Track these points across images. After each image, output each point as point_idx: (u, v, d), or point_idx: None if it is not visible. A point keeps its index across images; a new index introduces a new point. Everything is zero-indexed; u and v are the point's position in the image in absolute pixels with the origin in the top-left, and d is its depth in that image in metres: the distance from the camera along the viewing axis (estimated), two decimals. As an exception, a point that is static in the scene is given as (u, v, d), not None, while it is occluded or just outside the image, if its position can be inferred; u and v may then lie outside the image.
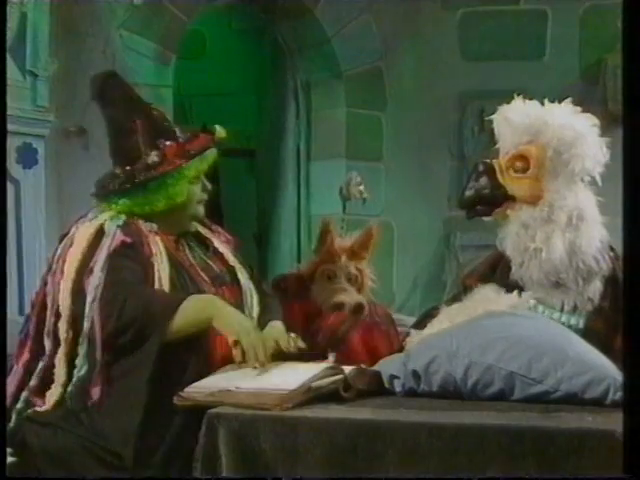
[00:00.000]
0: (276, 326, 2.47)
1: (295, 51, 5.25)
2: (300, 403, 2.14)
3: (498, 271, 2.53)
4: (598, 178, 2.51)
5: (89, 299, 2.29)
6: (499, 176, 2.48)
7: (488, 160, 2.52)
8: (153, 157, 2.41)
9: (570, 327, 2.41)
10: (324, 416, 2.10)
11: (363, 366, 2.36)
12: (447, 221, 5.21)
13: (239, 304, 2.48)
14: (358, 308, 2.76)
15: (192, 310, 2.28)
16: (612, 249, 2.51)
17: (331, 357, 2.47)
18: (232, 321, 2.28)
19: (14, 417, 2.32)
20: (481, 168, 2.51)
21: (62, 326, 2.33)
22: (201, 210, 2.54)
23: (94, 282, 2.30)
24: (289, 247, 5.36)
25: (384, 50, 5.19)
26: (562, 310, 2.46)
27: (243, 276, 2.54)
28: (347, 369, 2.28)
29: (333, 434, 2.04)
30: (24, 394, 2.35)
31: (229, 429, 2.07)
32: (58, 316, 2.35)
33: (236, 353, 2.25)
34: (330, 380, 2.24)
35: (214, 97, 5.79)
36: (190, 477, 2.12)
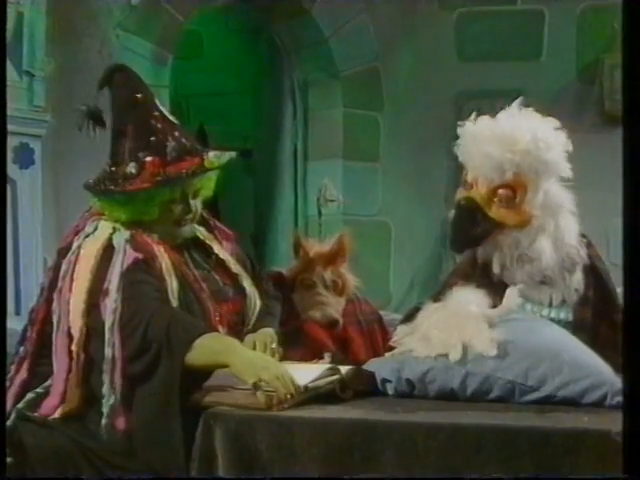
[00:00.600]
0: (263, 334, 2.41)
1: (292, 51, 5.25)
2: (297, 403, 2.14)
3: (478, 270, 2.52)
4: (568, 174, 2.49)
5: (108, 324, 2.24)
6: (485, 209, 2.44)
7: (468, 196, 2.47)
8: (131, 168, 2.35)
9: (560, 321, 2.42)
10: (321, 416, 2.10)
11: (359, 367, 2.36)
12: (444, 221, 5.20)
13: (239, 319, 2.44)
14: (331, 324, 2.77)
15: (210, 350, 2.20)
16: (583, 236, 2.53)
17: (327, 357, 2.47)
18: (249, 365, 2.17)
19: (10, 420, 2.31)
20: (465, 206, 2.47)
21: (74, 348, 2.28)
22: (184, 231, 2.44)
23: (111, 305, 2.24)
24: (286, 247, 5.34)
25: (381, 50, 5.19)
26: (550, 305, 2.46)
27: (247, 283, 2.49)
28: (344, 369, 2.28)
29: (329, 434, 2.04)
30: (26, 398, 2.34)
31: (226, 429, 2.07)
32: (71, 337, 2.29)
33: (260, 395, 2.13)
34: (327, 380, 2.24)
35: (211, 97, 5.79)
36: (187, 477, 2.12)
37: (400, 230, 5.25)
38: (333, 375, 2.25)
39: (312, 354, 2.54)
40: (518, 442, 1.93)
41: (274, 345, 2.35)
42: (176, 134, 2.41)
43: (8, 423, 2.27)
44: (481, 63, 5.13)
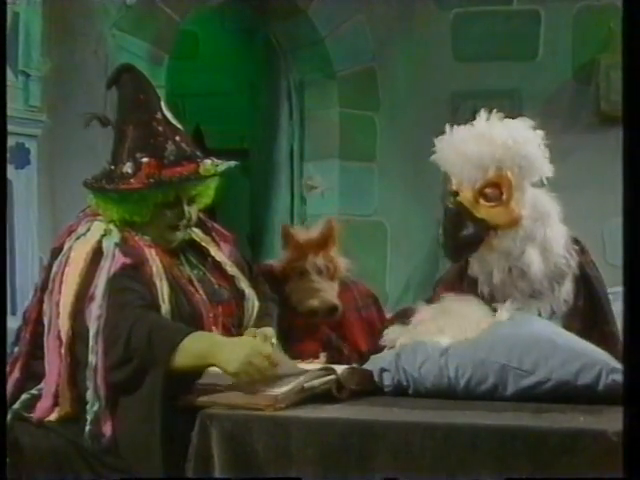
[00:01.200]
0: (265, 328, 2.43)
1: (288, 51, 5.24)
2: (293, 404, 2.14)
3: (465, 282, 2.52)
4: (545, 178, 2.49)
5: (92, 331, 2.24)
6: (474, 211, 2.44)
7: (455, 198, 2.46)
8: (127, 168, 2.36)
9: None
10: (317, 416, 2.10)
11: (355, 366, 2.36)
12: (440, 221, 5.20)
13: (235, 321, 2.45)
14: (331, 310, 2.77)
15: (188, 351, 2.20)
16: (576, 242, 2.52)
17: (322, 357, 2.47)
18: (228, 356, 2.19)
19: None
20: (454, 212, 2.46)
21: (63, 351, 2.30)
22: (178, 236, 2.44)
23: (96, 311, 2.25)
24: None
25: (377, 50, 5.19)
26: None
27: (244, 285, 2.49)
28: (339, 369, 2.28)
29: (326, 434, 2.04)
30: (22, 399, 2.35)
31: (222, 429, 2.07)
32: (60, 340, 2.30)
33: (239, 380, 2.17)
34: (323, 380, 2.24)
35: (207, 97, 5.79)
36: (183, 477, 2.12)
37: (396, 230, 5.25)
38: (329, 375, 2.25)
39: (313, 346, 2.54)
40: (514, 442, 1.93)
41: (274, 340, 2.36)
42: (177, 139, 2.41)
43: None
44: (477, 63, 5.13)
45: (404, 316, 2.51)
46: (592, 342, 2.29)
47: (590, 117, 4.98)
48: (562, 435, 1.93)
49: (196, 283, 2.42)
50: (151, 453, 2.17)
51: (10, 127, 3.70)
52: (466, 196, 2.45)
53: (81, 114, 2.48)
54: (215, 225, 2.64)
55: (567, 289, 2.44)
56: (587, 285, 2.48)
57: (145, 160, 2.36)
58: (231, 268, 2.50)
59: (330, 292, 2.79)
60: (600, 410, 2.08)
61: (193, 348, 2.21)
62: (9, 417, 2.30)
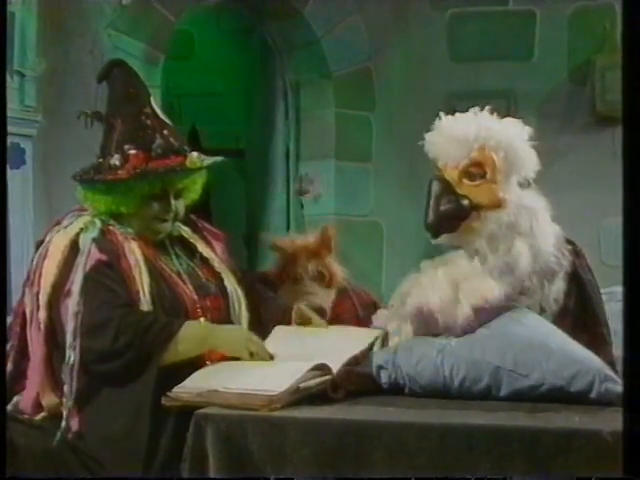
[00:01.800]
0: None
1: (284, 51, 5.24)
2: (288, 404, 2.14)
3: None
4: (532, 181, 2.50)
5: (70, 327, 2.27)
6: (457, 188, 2.45)
7: (440, 174, 2.48)
8: (115, 160, 2.40)
9: None
10: (312, 416, 2.10)
11: (351, 366, 2.36)
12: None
13: (223, 314, 2.47)
14: (319, 313, 2.73)
15: (188, 338, 2.27)
16: (570, 242, 2.52)
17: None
18: (233, 341, 2.31)
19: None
20: (437, 185, 2.47)
21: (42, 340, 2.34)
22: (164, 228, 2.47)
23: (73, 308, 2.28)
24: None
25: (373, 51, 5.19)
26: None
27: (230, 282, 2.52)
28: (335, 369, 2.28)
29: (321, 434, 2.04)
30: (13, 401, 2.35)
31: (217, 430, 2.07)
32: (40, 331, 2.34)
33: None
34: (318, 381, 2.24)
35: (203, 97, 5.78)
36: (178, 477, 2.12)
37: (392, 230, 5.25)
38: (324, 375, 2.25)
39: None
40: (509, 442, 1.93)
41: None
42: (165, 132, 2.45)
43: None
44: (473, 63, 5.13)
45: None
46: (581, 343, 2.29)
47: (585, 117, 4.99)
48: (557, 435, 1.93)
49: (184, 276, 2.45)
50: (136, 448, 2.21)
51: (5, 127, 3.71)
52: (451, 175, 2.47)
53: (77, 114, 2.49)
54: (206, 225, 2.67)
55: (558, 288, 2.44)
56: (579, 286, 2.47)
57: (132, 152, 2.40)
58: (219, 265, 2.53)
59: (321, 297, 2.78)
60: (595, 410, 2.08)
61: (191, 335, 2.27)
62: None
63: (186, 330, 2.28)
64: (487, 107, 2.52)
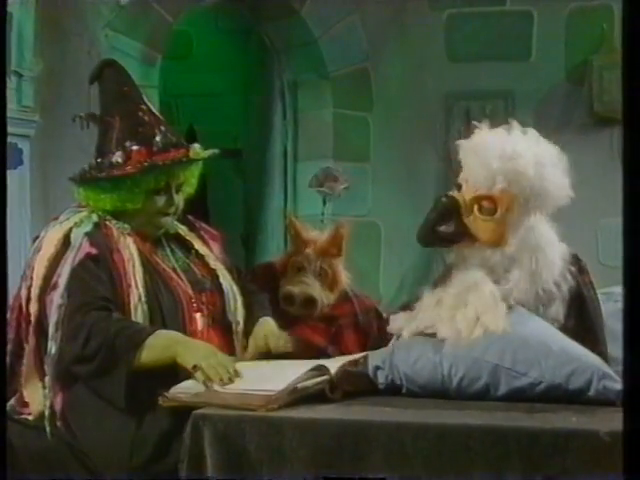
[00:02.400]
0: (266, 323, 2.47)
1: (282, 52, 5.24)
2: (286, 404, 2.14)
3: None
4: (555, 209, 2.45)
5: (53, 319, 2.30)
6: (464, 214, 2.41)
7: (452, 194, 2.43)
8: (117, 157, 2.41)
9: None
10: (309, 416, 2.10)
11: (349, 367, 2.36)
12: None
13: (219, 310, 2.48)
14: (308, 301, 2.72)
15: (158, 347, 2.27)
16: (576, 261, 2.48)
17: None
18: (192, 351, 2.26)
19: None
20: (446, 203, 2.43)
21: (31, 332, 2.36)
22: (166, 222, 2.50)
23: (57, 300, 2.31)
24: (276, 248, 5.35)
25: (371, 51, 5.19)
26: None
27: (225, 279, 2.53)
28: (333, 369, 2.28)
29: (318, 434, 2.04)
30: (12, 401, 2.36)
31: (214, 430, 2.07)
32: (30, 324, 2.37)
33: (197, 376, 2.22)
34: (316, 381, 2.24)
35: (200, 97, 5.78)
36: (175, 478, 2.12)
37: (390, 231, 5.25)
38: (322, 375, 2.25)
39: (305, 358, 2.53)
40: (507, 442, 1.93)
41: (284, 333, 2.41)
42: (162, 128, 2.47)
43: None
44: (471, 64, 5.14)
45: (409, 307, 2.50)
46: None
47: (583, 118, 4.99)
48: (555, 435, 1.93)
49: (179, 271, 2.47)
50: (114, 450, 2.23)
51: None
52: (465, 195, 2.43)
53: (71, 118, 2.50)
54: (202, 225, 2.68)
55: (556, 310, 2.41)
56: (580, 306, 2.45)
57: (135, 148, 2.41)
58: (214, 262, 2.54)
59: (316, 289, 2.74)
60: (593, 410, 2.08)
61: (157, 344, 2.26)
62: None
63: (155, 339, 2.27)
64: (531, 130, 2.42)
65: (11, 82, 3.91)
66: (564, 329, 2.39)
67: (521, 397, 2.18)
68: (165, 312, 2.38)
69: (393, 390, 2.30)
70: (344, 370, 2.32)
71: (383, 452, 1.99)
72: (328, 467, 2.01)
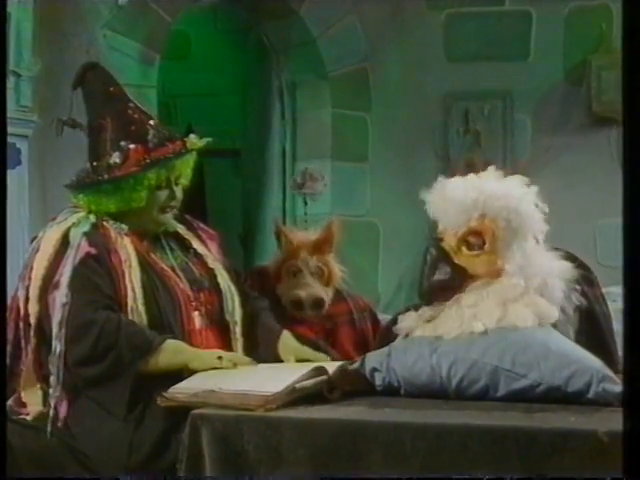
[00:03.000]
0: (288, 338, 2.51)
1: (280, 52, 5.24)
2: (284, 404, 2.14)
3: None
4: (541, 239, 2.44)
5: (57, 318, 2.30)
6: (454, 257, 2.40)
7: (438, 243, 2.43)
8: (114, 158, 2.41)
9: None
10: (308, 416, 2.10)
11: (347, 367, 2.36)
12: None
13: (217, 309, 2.49)
14: (317, 303, 2.75)
15: (167, 356, 2.30)
16: (585, 276, 2.46)
17: None
18: (204, 355, 2.33)
19: None
20: (433, 254, 2.42)
21: (31, 333, 2.36)
22: (168, 218, 2.51)
23: (61, 299, 2.31)
24: (274, 248, 5.35)
25: (369, 51, 5.19)
26: None
27: (223, 279, 2.53)
28: (331, 370, 2.28)
29: (317, 434, 2.04)
30: (9, 402, 2.36)
31: (213, 430, 2.07)
32: (30, 324, 2.36)
33: (224, 363, 2.30)
34: (314, 381, 2.24)
35: (199, 97, 5.78)
36: (174, 477, 2.12)
37: (388, 230, 5.25)
38: (320, 376, 2.25)
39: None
40: (505, 442, 1.93)
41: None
42: (152, 123, 2.48)
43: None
44: (469, 64, 5.14)
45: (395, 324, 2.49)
46: None
47: (581, 118, 4.99)
48: (553, 435, 1.93)
49: (177, 270, 2.47)
50: (112, 449, 2.25)
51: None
52: (449, 243, 2.42)
53: (50, 124, 2.50)
54: (200, 224, 2.68)
55: (565, 331, 2.37)
56: (592, 323, 2.42)
57: (132, 147, 2.41)
58: (212, 262, 2.54)
59: (320, 289, 2.77)
60: (591, 410, 2.08)
61: (169, 352, 2.30)
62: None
63: (165, 347, 2.30)
64: (490, 167, 2.44)
65: (9, 82, 3.91)
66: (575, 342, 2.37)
67: (520, 399, 2.17)
68: (163, 312, 2.38)
69: (391, 392, 2.30)
70: (342, 370, 2.32)
71: (382, 452, 1.99)
72: (326, 467, 2.01)
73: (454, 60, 5.19)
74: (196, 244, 2.57)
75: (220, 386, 2.18)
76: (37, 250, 2.41)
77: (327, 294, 2.80)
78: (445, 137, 5.22)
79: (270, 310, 2.64)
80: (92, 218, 2.43)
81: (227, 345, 2.48)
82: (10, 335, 2.40)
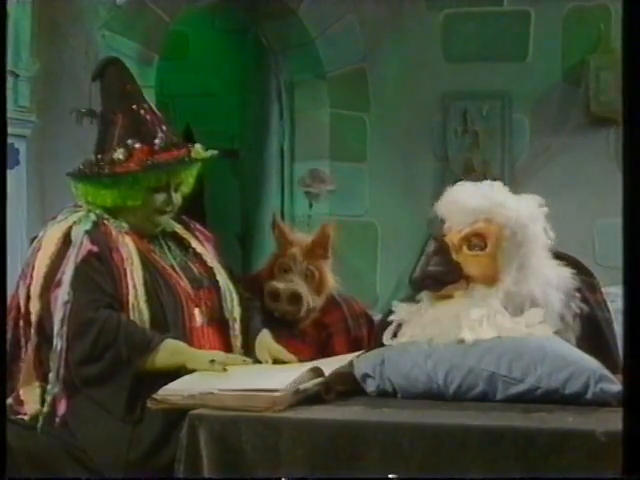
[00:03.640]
0: (265, 335, 2.51)
1: (278, 52, 5.24)
2: (289, 405, 2.13)
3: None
4: (545, 257, 2.44)
5: (59, 315, 2.30)
6: (453, 253, 2.40)
7: (440, 237, 2.43)
8: (119, 154, 2.43)
9: None
10: (306, 417, 2.10)
11: (340, 369, 2.35)
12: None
13: (216, 307, 2.50)
14: (294, 297, 2.71)
15: (166, 355, 2.31)
16: (587, 282, 2.45)
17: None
18: (201, 355, 2.34)
19: None
20: (433, 246, 2.42)
21: (32, 331, 2.36)
22: (164, 220, 2.52)
23: (63, 297, 2.32)
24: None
25: (368, 51, 5.19)
26: None
27: (222, 277, 2.54)
28: (327, 371, 2.28)
29: (315, 435, 2.03)
30: (9, 400, 2.36)
31: (211, 430, 2.07)
32: (30, 322, 2.37)
33: (215, 367, 2.30)
34: (314, 382, 2.24)
35: (197, 98, 5.78)
36: (172, 477, 2.12)
37: (387, 231, 5.26)
38: (318, 377, 2.25)
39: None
40: (503, 442, 1.93)
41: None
42: (163, 127, 2.50)
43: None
44: (468, 64, 5.14)
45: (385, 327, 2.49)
46: None
47: (580, 118, 5.00)
48: (551, 435, 1.93)
49: (177, 268, 2.49)
50: (111, 446, 2.25)
51: (-1, 127, 3.70)
52: (452, 239, 2.42)
53: (71, 112, 2.51)
54: (197, 225, 2.70)
55: (568, 338, 2.37)
56: (594, 329, 2.42)
57: (137, 146, 2.43)
58: (211, 260, 2.55)
59: (301, 286, 2.73)
60: (589, 411, 2.08)
61: (168, 352, 2.31)
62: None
63: (164, 347, 2.31)
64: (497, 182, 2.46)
65: (8, 82, 3.91)
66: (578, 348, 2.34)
67: (518, 403, 2.17)
68: (166, 309, 2.40)
69: (385, 397, 2.29)
70: (338, 372, 2.31)
71: (380, 452, 1.98)
72: (324, 467, 2.01)
73: (452, 60, 5.19)
74: (194, 243, 2.59)
75: (218, 387, 2.17)
76: (38, 249, 2.41)
77: (313, 299, 2.74)
78: (443, 137, 5.22)
79: (261, 312, 2.64)
80: (93, 216, 2.44)
81: (227, 342, 2.50)
82: (9, 334, 2.41)
